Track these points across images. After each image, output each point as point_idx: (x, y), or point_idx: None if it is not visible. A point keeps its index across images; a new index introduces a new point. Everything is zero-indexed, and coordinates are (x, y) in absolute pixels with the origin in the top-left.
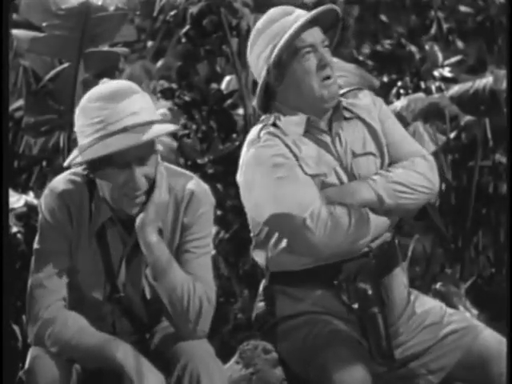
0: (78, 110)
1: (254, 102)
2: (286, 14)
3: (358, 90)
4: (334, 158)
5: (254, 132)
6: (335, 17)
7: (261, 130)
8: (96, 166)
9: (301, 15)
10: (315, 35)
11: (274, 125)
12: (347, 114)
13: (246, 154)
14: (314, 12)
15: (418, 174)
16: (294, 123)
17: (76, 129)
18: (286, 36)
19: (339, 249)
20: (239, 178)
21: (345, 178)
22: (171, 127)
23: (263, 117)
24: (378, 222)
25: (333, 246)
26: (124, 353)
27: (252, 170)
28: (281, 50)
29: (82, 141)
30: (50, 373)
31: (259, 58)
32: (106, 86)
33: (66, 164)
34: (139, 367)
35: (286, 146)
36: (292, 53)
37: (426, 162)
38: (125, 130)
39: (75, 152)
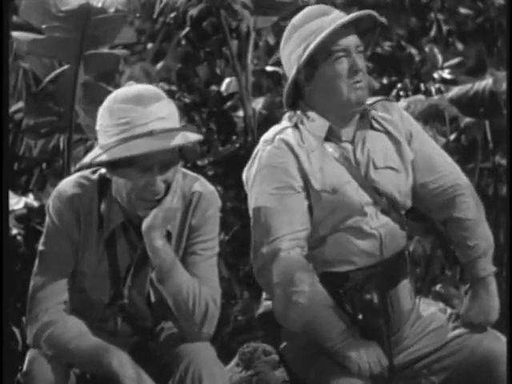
0: (102, 110)
1: (257, 105)
2: (322, 14)
3: (386, 101)
4: (351, 168)
5: (272, 131)
6: (373, 21)
7: (278, 132)
8: (117, 165)
9: (337, 17)
10: (350, 39)
11: (296, 126)
12: (376, 125)
13: (257, 151)
14: (350, 16)
15: None
16: (315, 128)
17: (98, 127)
18: (320, 38)
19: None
20: (246, 170)
21: (355, 191)
22: (196, 137)
23: (288, 113)
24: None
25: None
26: (119, 361)
27: (255, 171)
28: (313, 52)
29: (105, 140)
30: (48, 375)
31: (291, 54)
32: (133, 88)
33: (87, 161)
34: (134, 376)
35: (297, 158)
36: (325, 55)
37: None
38: (151, 134)
39: (97, 150)
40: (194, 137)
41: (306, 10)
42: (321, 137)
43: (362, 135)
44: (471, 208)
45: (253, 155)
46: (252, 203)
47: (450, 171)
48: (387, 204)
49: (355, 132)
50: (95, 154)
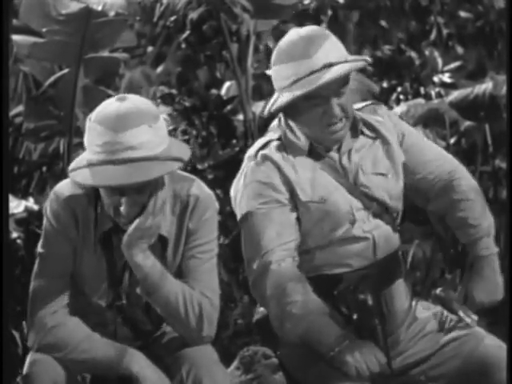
0: (87, 124)
1: (257, 108)
2: (305, 56)
3: (375, 105)
4: (338, 176)
5: (255, 146)
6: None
7: (261, 147)
8: None
9: (324, 57)
10: (332, 85)
11: (280, 139)
12: (366, 131)
13: (242, 168)
14: (338, 73)
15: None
16: (299, 142)
17: (85, 139)
18: (306, 90)
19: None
20: (233, 186)
21: (344, 198)
22: (169, 168)
23: (272, 125)
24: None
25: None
26: (139, 362)
27: (241, 187)
28: (294, 100)
29: (89, 155)
30: (48, 378)
31: (277, 80)
32: (115, 106)
33: (73, 177)
34: (155, 378)
35: (281, 172)
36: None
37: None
38: (113, 163)
39: (85, 164)
40: (162, 170)
41: (293, 36)
42: (304, 149)
43: (350, 144)
44: (470, 189)
45: (239, 171)
46: (239, 219)
47: (445, 160)
48: (379, 208)
49: (342, 142)
50: (77, 165)
